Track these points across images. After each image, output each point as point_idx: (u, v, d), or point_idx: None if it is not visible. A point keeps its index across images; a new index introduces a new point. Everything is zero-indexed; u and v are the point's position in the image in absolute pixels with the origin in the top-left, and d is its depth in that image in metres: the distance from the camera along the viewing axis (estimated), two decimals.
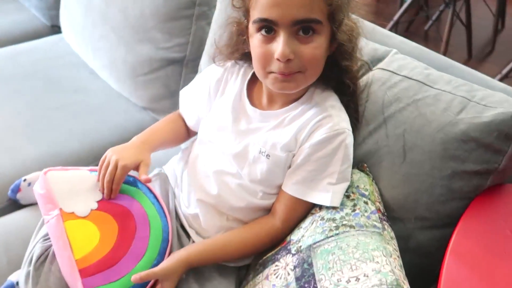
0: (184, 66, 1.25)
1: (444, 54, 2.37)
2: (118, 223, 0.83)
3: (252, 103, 0.86)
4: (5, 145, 1.17)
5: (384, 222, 0.77)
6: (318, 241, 0.73)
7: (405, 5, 2.45)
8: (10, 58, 1.54)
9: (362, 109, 0.86)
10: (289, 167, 0.82)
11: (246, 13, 0.79)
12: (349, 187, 0.80)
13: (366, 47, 0.95)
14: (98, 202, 0.84)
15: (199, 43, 1.22)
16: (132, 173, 0.89)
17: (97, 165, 1.20)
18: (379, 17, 3.01)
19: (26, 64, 1.50)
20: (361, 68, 0.90)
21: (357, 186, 0.81)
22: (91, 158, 1.20)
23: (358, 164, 0.86)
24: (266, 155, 0.81)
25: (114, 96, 1.39)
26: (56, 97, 1.36)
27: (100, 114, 1.33)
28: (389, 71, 0.87)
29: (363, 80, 0.88)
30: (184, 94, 1.00)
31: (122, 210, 0.85)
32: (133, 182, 0.90)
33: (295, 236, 0.79)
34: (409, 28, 2.86)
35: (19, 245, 0.94)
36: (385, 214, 0.80)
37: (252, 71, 0.87)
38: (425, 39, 2.86)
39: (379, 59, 0.92)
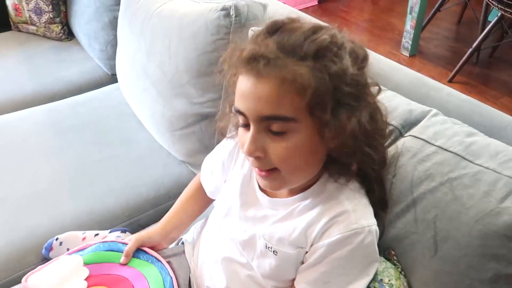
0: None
1: None
2: None
3: (261, 187, 0.77)
4: (46, 201, 1.20)
5: None
6: None
7: (485, 31, 2.20)
8: (71, 109, 1.61)
9: (388, 186, 0.73)
10: (302, 262, 0.71)
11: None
12: (370, 281, 0.68)
13: (400, 106, 0.82)
14: (86, 279, 0.82)
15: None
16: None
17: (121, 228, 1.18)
18: (459, 42, 2.78)
19: (82, 115, 1.56)
20: (390, 135, 0.78)
21: (381, 279, 0.69)
22: (125, 216, 1.20)
23: (385, 250, 0.73)
24: (273, 251, 0.71)
25: (156, 149, 1.39)
26: (102, 149, 1.38)
27: (140, 167, 1.32)
28: (422, 139, 0.73)
29: (391, 150, 0.75)
30: (205, 163, 0.95)
31: (114, 278, 0.82)
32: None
33: None
34: (493, 54, 2.57)
35: None
36: None
37: None
38: None
39: (414, 123, 0.78)
